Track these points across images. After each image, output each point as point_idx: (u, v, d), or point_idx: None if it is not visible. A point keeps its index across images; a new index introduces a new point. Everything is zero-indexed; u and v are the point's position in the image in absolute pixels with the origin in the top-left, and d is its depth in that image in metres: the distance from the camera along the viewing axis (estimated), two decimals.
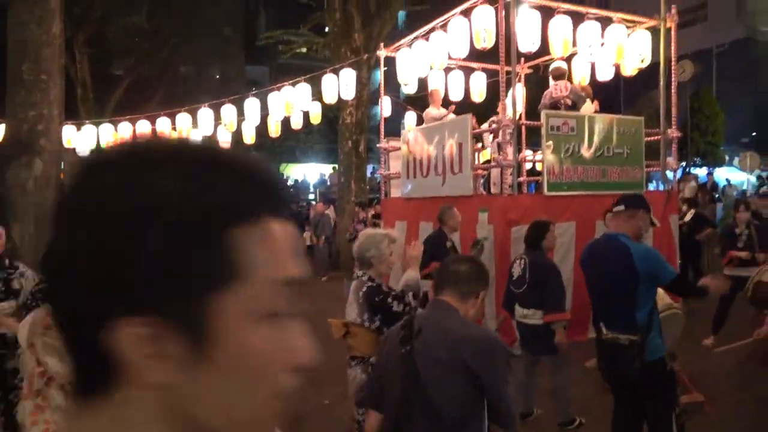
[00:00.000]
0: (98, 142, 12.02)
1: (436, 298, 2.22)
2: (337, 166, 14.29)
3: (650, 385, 3.04)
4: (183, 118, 11.27)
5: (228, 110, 10.87)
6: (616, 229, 3.18)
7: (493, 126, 7.50)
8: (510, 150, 6.55)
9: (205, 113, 10.98)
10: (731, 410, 4.65)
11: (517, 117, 6.91)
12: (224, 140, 12.01)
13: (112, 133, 11.83)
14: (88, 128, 11.96)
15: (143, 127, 11.51)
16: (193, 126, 11.33)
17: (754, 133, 27.63)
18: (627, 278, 2.99)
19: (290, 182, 26.04)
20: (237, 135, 11.89)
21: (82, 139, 12.01)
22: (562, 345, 4.17)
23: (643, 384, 3.02)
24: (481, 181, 8.29)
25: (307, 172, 28.33)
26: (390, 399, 2.17)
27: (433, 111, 8.41)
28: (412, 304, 3.05)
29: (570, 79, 8.46)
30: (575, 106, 7.34)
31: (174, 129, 11.48)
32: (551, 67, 7.92)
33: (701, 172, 21.92)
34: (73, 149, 12.26)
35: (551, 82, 7.67)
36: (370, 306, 3.04)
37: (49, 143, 4.84)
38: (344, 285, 3.62)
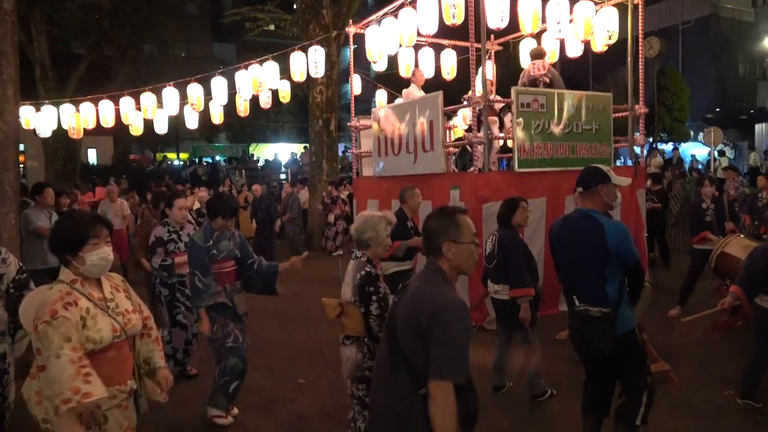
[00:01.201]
0: (59, 123, 11.63)
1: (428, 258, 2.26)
2: (308, 145, 14.13)
3: (622, 356, 3.10)
4: (147, 97, 10.95)
5: (194, 89, 10.59)
6: (586, 206, 3.20)
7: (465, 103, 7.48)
8: (482, 127, 6.55)
9: (171, 93, 10.68)
10: (696, 378, 4.81)
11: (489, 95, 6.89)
12: (191, 120, 11.74)
13: (73, 114, 11.44)
14: (48, 109, 11.54)
15: (106, 107, 11.16)
16: (158, 106, 11.03)
17: (717, 109, 28.25)
18: (598, 253, 3.03)
19: (261, 162, 25.72)
20: (204, 115, 11.63)
21: (42, 120, 11.60)
22: (525, 320, 4.24)
23: (615, 355, 3.07)
24: (453, 158, 8.30)
25: (279, 152, 28.00)
26: (380, 352, 2.31)
27: (416, 92, 8.33)
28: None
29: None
30: (552, 85, 7.41)
31: (138, 109, 11.16)
32: (531, 48, 8.05)
33: (667, 147, 22.37)
34: (33, 130, 11.85)
35: (529, 61, 7.73)
36: (359, 292, 3.08)
37: (4, 125, 4.65)
38: (339, 265, 3.63)
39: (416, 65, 9.30)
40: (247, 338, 4.21)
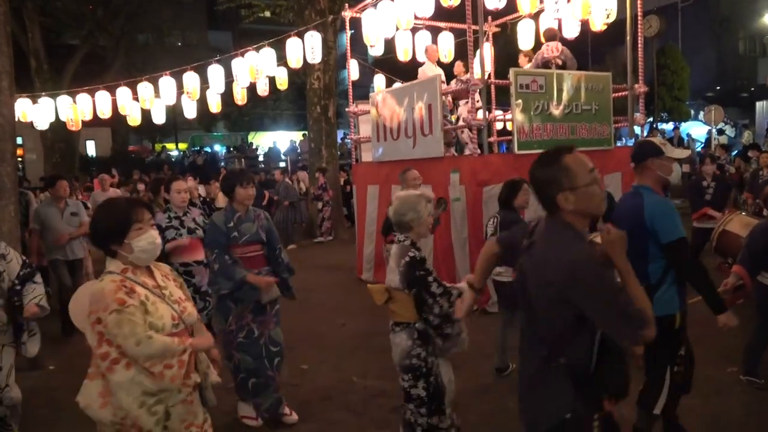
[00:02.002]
0: (57, 115, 11.57)
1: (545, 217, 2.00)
2: (307, 132, 14.07)
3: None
4: (144, 87, 10.89)
5: (191, 78, 10.52)
6: (639, 182, 3.06)
7: (461, 86, 7.43)
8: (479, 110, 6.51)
9: (167, 82, 10.61)
10: (699, 356, 4.80)
11: (486, 76, 6.84)
12: (189, 109, 11.69)
13: (70, 105, 11.38)
14: (45, 101, 11.48)
15: (103, 98, 11.09)
16: (155, 95, 10.96)
17: (718, 87, 28.08)
18: (638, 231, 2.86)
19: (260, 151, 25.63)
20: (202, 104, 11.56)
21: (39, 112, 11.54)
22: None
23: None
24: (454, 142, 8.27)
25: (277, 140, 27.90)
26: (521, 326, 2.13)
27: (430, 70, 8.24)
28: (453, 295, 2.96)
29: (539, 38, 8.52)
30: (565, 67, 7.43)
31: (135, 99, 11.09)
32: (544, 29, 8.08)
33: (668, 127, 22.27)
34: (30, 123, 11.80)
35: (527, 43, 7.74)
36: (407, 276, 2.96)
37: (0, 117, 4.62)
38: (383, 249, 3.65)
39: (413, 48, 9.23)
40: (268, 329, 3.90)
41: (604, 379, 1.88)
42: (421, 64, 8.77)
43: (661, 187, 3.05)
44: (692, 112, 24.55)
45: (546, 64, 7.54)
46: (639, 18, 7.58)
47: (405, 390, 3.06)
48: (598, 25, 7.53)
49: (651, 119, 19.64)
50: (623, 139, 15.97)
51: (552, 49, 7.56)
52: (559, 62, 7.51)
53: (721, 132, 18.85)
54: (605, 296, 1.77)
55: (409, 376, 3.02)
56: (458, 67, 8.39)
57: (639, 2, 7.51)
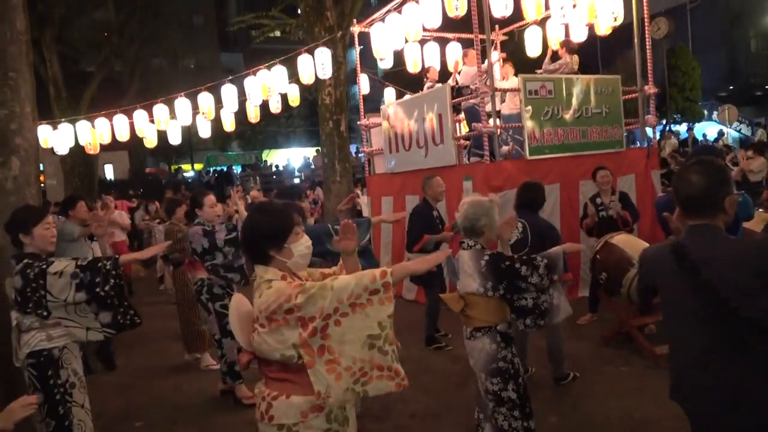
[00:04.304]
0: (76, 140, 11.84)
1: (693, 224, 1.94)
2: (320, 148, 14.22)
3: None
4: (160, 109, 11.12)
5: (205, 98, 10.73)
6: None
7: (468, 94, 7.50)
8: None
9: (182, 103, 10.83)
10: None
11: (494, 84, 6.90)
12: (203, 129, 11.89)
13: (89, 130, 11.65)
14: (65, 127, 11.76)
15: (120, 121, 11.34)
16: (171, 117, 11.19)
17: (731, 87, 27.82)
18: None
19: (273, 168, 25.91)
20: (216, 123, 11.76)
21: (59, 138, 11.82)
22: None
23: None
24: (465, 150, 8.31)
25: (291, 157, 28.18)
26: (685, 333, 1.98)
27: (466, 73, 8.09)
28: (540, 266, 3.00)
29: (546, 43, 8.62)
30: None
31: (151, 121, 11.32)
32: (563, 41, 8.13)
33: (681, 128, 22.11)
34: (50, 149, 12.08)
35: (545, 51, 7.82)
36: (494, 273, 2.98)
37: (24, 141, 4.75)
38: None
39: (422, 60, 9.33)
40: None
41: None
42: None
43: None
44: (705, 112, 24.35)
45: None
46: (646, 20, 7.61)
47: (494, 393, 3.00)
48: (603, 28, 7.56)
49: (664, 121, 19.53)
50: (637, 141, 15.91)
51: (577, 62, 7.67)
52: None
53: (736, 132, 18.68)
54: None
55: (497, 379, 2.99)
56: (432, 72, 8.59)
57: (645, 4, 7.55)
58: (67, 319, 3.13)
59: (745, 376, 1.83)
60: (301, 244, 2.16)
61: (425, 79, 8.61)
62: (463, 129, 8.69)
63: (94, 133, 11.66)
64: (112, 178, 25.17)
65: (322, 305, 1.97)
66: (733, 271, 1.81)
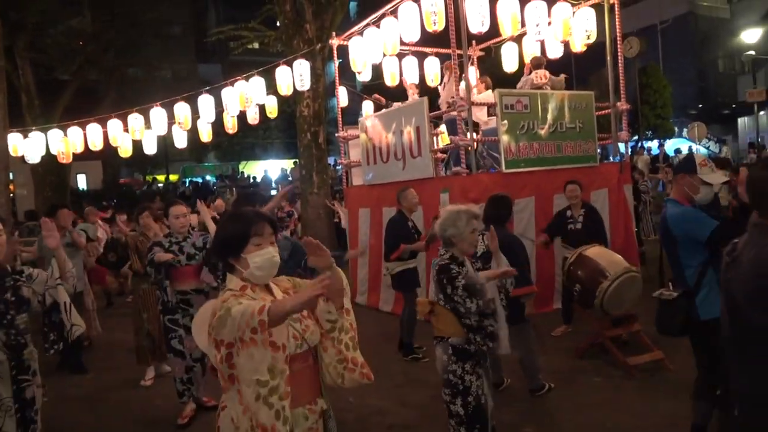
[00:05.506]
0: (48, 149, 11.61)
1: (755, 222, 1.86)
2: (297, 160, 14.19)
3: (703, 340, 3.10)
4: (135, 118, 10.99)
5: (181, 108, 10.65)
6: (671, 194, 3.29)
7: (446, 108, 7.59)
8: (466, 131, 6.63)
9: (158, 113, 10.72)
10: (689, 363, 4.86)
11: (471, 98, 6.98)
12: (179, 140, 11.78)
13: (61, 139, 11.44)
14: (36, 135, 11.53)
15: (94, 130, 11.17)
16: (146, 126, 11.06)
17: (700, 105, 28.62)
18: (668, 240, 3.15)
19: (251, 180, 25.73)
20: (193, 134, 11.66)
21: (30, 146, 11.57)
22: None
23: (697, 340, 3.13)
24: (442, 163, 8.38)
25: (268, 168, 28.04)
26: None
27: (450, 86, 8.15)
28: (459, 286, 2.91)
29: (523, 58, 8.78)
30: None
31: (126, 131, 11.17)
32: (531, 57, 8.27)
33: (653, 144, 22.64)
34: (21, 158, 11.82)
35: (532, 71, 7.90)
36: (438, 284, 3.00)
37: None
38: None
39: (400, 73, 9.42)
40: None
41: None
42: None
43: (689, 201, 3.14)
44: (676, 129, 24.99)
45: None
46: (618, 39, 7.81)
47: (446, 404, 3.03)
48: (578, 46, 7.74)
49: (636, 137, 19.97)
50: (610, 156, 16.23)
51: (541, 77, 7.76)
52: (548, 89, 7.69)
53: (706, 147, 19.23)
54: None
55: (447, 391, 3.00)
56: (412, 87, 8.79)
57: (617, 22, 7.74)
58: None
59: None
60: (259, 256, 2.02)
61: (411, 94, 8.71)
62: (441, 142, 8.77)
63: (66, 141, 11.46)
64: (85, 188, 24.71)
65: (225, 331, 1.89)
66: (745, 277, 1.78)
